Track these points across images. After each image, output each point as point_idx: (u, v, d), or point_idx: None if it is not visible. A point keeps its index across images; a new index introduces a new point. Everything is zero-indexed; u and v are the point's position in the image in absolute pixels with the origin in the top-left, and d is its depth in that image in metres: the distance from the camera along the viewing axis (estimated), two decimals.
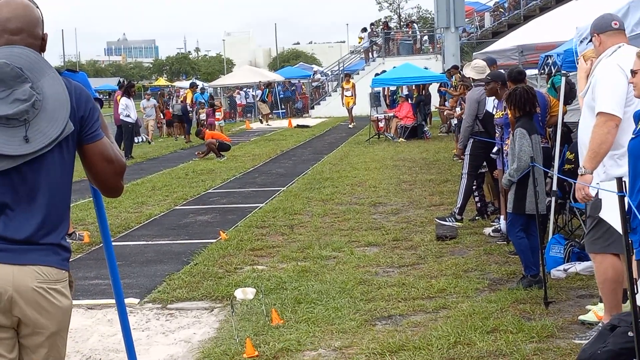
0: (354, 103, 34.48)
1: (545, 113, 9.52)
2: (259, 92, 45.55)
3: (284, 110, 47.34)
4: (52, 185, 3.32)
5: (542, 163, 8.03)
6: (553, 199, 8.92)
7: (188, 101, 32.74)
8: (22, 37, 3.36)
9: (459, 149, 11.54)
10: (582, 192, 5.90)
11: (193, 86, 35.38)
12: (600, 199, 5.68)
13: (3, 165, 3.19)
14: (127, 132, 24.94)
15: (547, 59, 9.87)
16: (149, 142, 30.20)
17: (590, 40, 6.41)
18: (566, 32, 9.84)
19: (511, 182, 7.77)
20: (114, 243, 11.26)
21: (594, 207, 5.88)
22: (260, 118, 41.84)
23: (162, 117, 33.47)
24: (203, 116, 29.76)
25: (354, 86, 34.76)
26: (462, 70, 18.77)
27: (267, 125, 39.21)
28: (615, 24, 6.00)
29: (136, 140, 28.57)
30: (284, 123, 39.56)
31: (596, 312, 6.54)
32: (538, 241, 7.67)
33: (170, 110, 33.44)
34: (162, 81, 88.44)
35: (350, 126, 34.03)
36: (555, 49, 9.79)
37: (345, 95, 34.86)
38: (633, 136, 4.65)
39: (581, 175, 5.88)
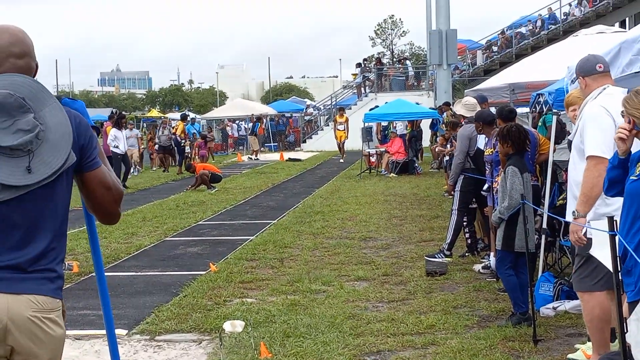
0: (346, 137, 34.57)
1: (535, 151, 9.57)
2: (251, 124, 45.70)
3: (276, 144, 47.45)
4: (52, 214, 3.35)
5: (532, 201, 8.06)
6: (543, 236, 8.95)
7: (179, 132, 32.75)
8: (26, 61, 3.41)
9: (450, 185, 11.59)
10: (575, 235, 5.90)
11: (184, 118, 35.42)
12: (590, 238, 5.72)
13: (6, 195, 3.21)
14: (117, 163, 24.94)
15: (539, 98, 9.94)
16: (134, 174, 29.53)
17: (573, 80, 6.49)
18: (557, 71, 9.92)
19: (501, 220, 7.79)
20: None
21: (582, 246, 5.90)
22: (250, 153, 41.68)
23: (155, 147, 33.42)
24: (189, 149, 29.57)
25: (347, 120, 34.86)
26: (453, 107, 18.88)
27: (256, 159, 39.16)
28: (600, 67, 6.04)
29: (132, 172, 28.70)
30: (275, 156, 39.61)
31: (585, 351, 6.54)
32: (527, 279, 7.68)
33: (157, 141, 33.28)
34: (155, 112, 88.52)
35: (341, 160, 34.07)
36: (547, 88, 9.86)
37: (338, 129, 34.95)
38: (634, 178, 4.67)
39: (575, 218, 5.88)
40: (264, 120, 47.58)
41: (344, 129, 34.56)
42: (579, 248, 6.00)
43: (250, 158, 39.76)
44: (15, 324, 3.21)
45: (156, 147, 33.17)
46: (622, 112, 4.96)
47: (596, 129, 5.73)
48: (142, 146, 33.01)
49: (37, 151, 3.22)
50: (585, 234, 5.80)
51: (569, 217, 6.07)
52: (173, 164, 32.05)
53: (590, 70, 6.04)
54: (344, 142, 34.75)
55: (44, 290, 3.29)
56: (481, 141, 10.71)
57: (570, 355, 6.66)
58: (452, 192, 11.50)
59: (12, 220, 3.26)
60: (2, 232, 3.25)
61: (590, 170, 5.74)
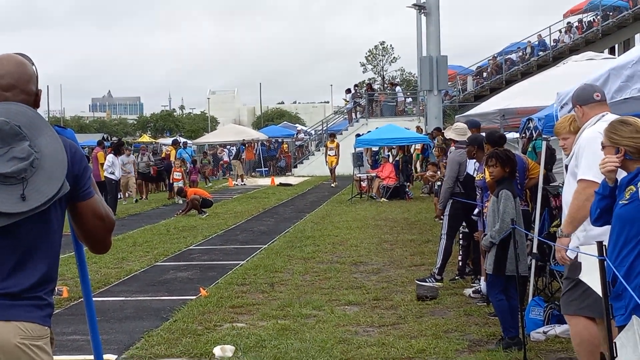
0: (337, 163, 34.64)
1: (524, 176, 9.61)
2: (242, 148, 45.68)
3: (267, 169, 47.46)
4: (45, 242, 3.36)
5: (522, 225, 8.08)
6: (533, 261, 8.96)
7: (172, 158, 32.70)
8: (14, 94, 3.42)
9: (439, 210, 11.61)
10: (559, 254, 6.03)
11: (175, 143, 35.37)
12: (580, 262, 5.73)
13: None
14: (111, 190, 24.90)
15: (528, 123, 10.00)
16: (135, 200, 29.03)
17: (572, 109, 6.52)
18: (547, 97, 9.98)
19: (492, 244, 7.81)
20: (93, 298, 11.16)
21: (572, 269, 5.93)
22: (234, 176, 41.34)
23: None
24: (177, 175, 28.93)
25: (338, 146, 34.92)
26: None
27: (243, 184, 38.99)
28: (597, 96, 6.10)
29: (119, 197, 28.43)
30: (266, 181, 39.61)
31: None
32: (517, 303, 7.70)
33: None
34: (146, 138, 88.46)
35: (332, 185, 34.11)
36: (537, 114, 9.92)
37: (329, 155, 35.01)
38: (623, 202, 4.71)
39: (559, 237, 6.00)
40: (255, 145, 47.63)
41: (335, 154, 34.63)
42: (568, 271, 6.03)
43: (236, 184, 39.46)
44: (2, 351, 3.20)
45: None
46: (603, 143, 5.01)
47: (590, 154, 5.77)
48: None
49: (32, 179, 3.22)
50: (576, 257, 5.83)
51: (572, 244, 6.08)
52: (154, 190, 31.79)
53: (588, 99, 6.10)
54: (335, 167, 34.82)
55: (32, 318, 3.28)
56: (470, 166, 10.75)
57: None
58: (442, 217, 11.51)
59: (4, 249, 3.26)
60: None
61: (579, 193, 5.79)
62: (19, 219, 3.23)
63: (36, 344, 3.27)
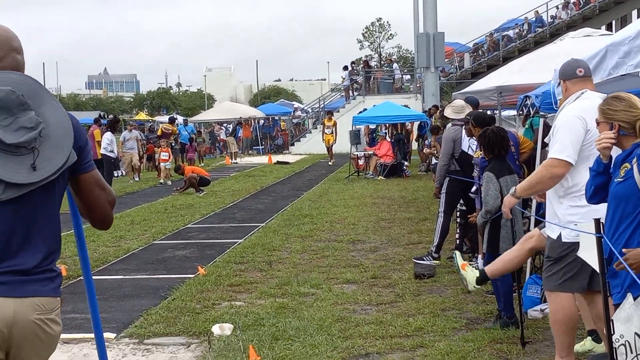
0: (334, 141, 34.61)
1: (518, 151, 9.60)
2: (239, 127, 45.62)
3: (263, 147, 47.42)
4: (50, 213, 3.35)
5: (521, 203, 8.05)
6: None
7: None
8: (22, 57, 3.43)
9: (436, 187, 11.62)
10: (504, 209, 6.54)
11: (172, 121, 35.25)
12: (562, 242, 5.77)
13: (9, 194, 3.17)
14: (109, 167, 24.86)
15: (526, 100, 9.98)
16: (135, 179, 28.28)
17: (558, 84, 6.53)
18: (544, 74, 9.96)
19: (485, 222, 7.81)
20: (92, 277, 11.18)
21: (551, 248, 5.96)
22: (230, 156, 41.15)
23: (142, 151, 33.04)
24: (164, 155, 28.05)
25: (335, 124, 34.89)
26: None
27: (234, 162, 38.86)
28: (580, 72, 6.04)
29: (116, 174, 28.34)
30: (263, 159, 39.59)
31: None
32: (511, 281, 7.73)
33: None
34: (142, 115, 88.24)
35: (330, 163, 34.09)
36: (534, 91, 9.90)
37: (326, 133, 34.97)
38: (619, 180, 4.71)
39: (510, 195, 6.36)
40: (252, 123, 47.52)
41: (332, 132, 34.59)
42: (548, 250, 6.05)
43: (235, 162, 39.40)
44: (19, 328, 3.21)
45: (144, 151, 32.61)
46: (598, 119, 5.00)
47: (564, 134, 5.77)
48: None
49: (41, 148, 3.20)
50: (559, 237, 5.85)
51: (548, 217, 6.11)
52: (151, 169, 31.51)
53: (572, 74, 6.07)
54: (332, 145, 34.78)
55: (47, 292, 3.29)
56: (465, 143, 10.75)
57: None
58: (439, 196, 11.52)
59: (13, 220, 3.24)
60: (3, 234, 3.22)
61: (546, 168, 5.86)
62: (29, 190, 3.21)
63: (49, 317, 3.29)
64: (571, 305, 6.01)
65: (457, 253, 7.51)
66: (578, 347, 6.74)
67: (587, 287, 5.86)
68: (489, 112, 11.12)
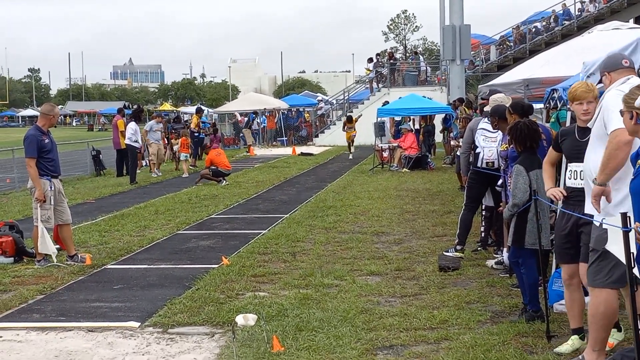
0: (355, 132, 34.48)
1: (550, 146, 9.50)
2: (263, 118, 45.60)
3: (286, 138, 47.40)
4: None
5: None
6: None
7: (193, 126, 32.70)
8: None
9: (463, 176, 11.64)
10: (593, 200, 5.89)
11: (199, 111, 35.31)
12: (606, 231, 5.68)
13: None
14: (133, 157, 24.95)
15: (553, 93, 9.89)
16: (157, 174, 26.98)
17: (600, 80, 6.45)
18: (572, 66, 9.88)
19: (512, 215, 7.75)
20: (116, 266, 11.29)
21: (598, 241, 5.87)
22: (246, 147, 40.90)
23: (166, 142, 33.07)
24: (176, 147, 28.20)
25: (356, 121, 34.89)
26: (472, 102, 18.85)
27: (245, 153, 38.57)
28: (626, 62, 6.12)
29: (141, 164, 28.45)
30: (287, 150, 39.60)
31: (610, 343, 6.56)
32: (536, 274, 7.67)
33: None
34: (167, 106, 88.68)
35: (350, 157, 33.65)
36: (561, 83, 9.81)
37: (347, 131, 34.84)
38: (632, 177, 4.67)
39: (596, 185, 5.86)
40: (276, 114, 47.50)
41: (353, 129, 34.50)
42: (595, 243, 5.97)
43: (246, 155, 38.66)
44: None
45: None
46: (621, 110, 4.95)
47: (618, 108, 5.69)
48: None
49: None
50: (601, 225, 5.76)
51: (587, 209, 6.03)
52: (173, 158, 31.39)
53: (617, 66, 6.08)
54: (353, 138, 34.56)
55: None
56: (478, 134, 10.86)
57: (556, 349, 6.72)
58: (464, 185, 11.56)
59: None
60: None
61: (609, 142, 5.67)
62: None
63: None
64: (614, 301, 5.95)
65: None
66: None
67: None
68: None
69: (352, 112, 35.85)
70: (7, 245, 11.64)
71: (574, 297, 6.86)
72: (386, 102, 33.57)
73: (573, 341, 6.77)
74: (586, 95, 6.65)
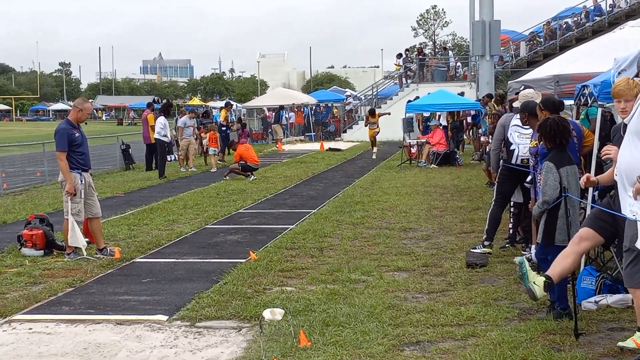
0: (379, 129, 33.48)
1: (580, 144, 9.44)
2: (291, 114, 45.63)
3: (314, 133, 47.40)
4: None
5: (578, 193, 7.90)
6: None
7: (221, 119, 32.82)
8: None
9: (493, 173, 11.59)
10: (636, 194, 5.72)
11: (228, 105, 35.40)
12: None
13: None
14: (162, 152, 25.10)
15: (583, 89, 9.81)
16: (191, 168, 27.22)
17: (637, 75, 6.39)
18: (603, 63, 9.80)
19: (542, 213, 7.70)
20: (144, 259, 11.36)
21: (633, 240, 5.78)
22: (274, 140, 40.84)
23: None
24: (205, 141, 28.30)
25: (379, 116, 34.20)
26: (503, 98, 18.75)
27: (273, 149, 38.48)
28: None
29: (169, 159, 28.56)
30: (315, 146, 39.60)
31: (635, 340, 6.46)
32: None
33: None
34: (196, 101, 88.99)
35: (373, 157, 31.76)
36: (592, 80, 9.73)
37: (370, 128, 34.21)
38: None
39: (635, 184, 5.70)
40: (304, 110, 47.50)
41: (376, 125, 33.89)
42: (630, 242, 5.89)
43: (274, 150, 38.30)
44: None
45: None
46: None
47: None
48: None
49: None
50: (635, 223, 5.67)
51: (624, 211, 5.91)
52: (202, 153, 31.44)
53: None
54: (376, 135, 33.35)
55: None
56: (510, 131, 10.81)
57: (620, 343, 6.59)
58: (494, 181, 11.51)
59: None
60: None
61: None
62: None
63: None
64: None
65: (526, 262, 7.13)
66: (621, 344, 6.62)
67: None
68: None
69: (380, 107, 35.33)
70: (38, 238, 11.76)
71: (567, 253, 6.81)
72: (417, 97, 33.39)
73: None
74: (624, 93, 6.58)
